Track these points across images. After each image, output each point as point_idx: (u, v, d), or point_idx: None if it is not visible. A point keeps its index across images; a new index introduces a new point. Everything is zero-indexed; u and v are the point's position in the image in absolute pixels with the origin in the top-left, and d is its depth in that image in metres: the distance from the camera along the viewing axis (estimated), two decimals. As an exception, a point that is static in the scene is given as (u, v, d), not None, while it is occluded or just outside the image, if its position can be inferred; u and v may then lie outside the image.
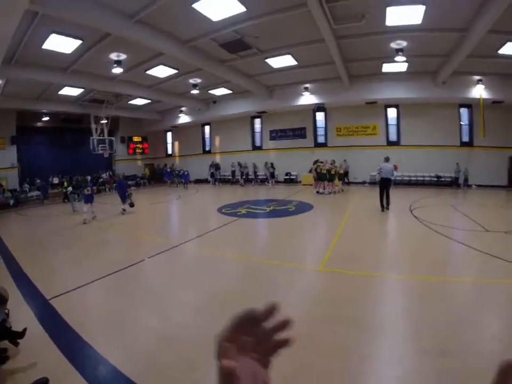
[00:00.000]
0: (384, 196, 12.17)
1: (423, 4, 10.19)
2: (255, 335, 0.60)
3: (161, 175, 27.20)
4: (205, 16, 10.47)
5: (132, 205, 13.19)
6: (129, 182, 24.34)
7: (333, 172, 17.42)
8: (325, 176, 17.13)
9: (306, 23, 11.07)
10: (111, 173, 24.24)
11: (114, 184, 18.43)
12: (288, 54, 14.54)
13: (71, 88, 17.17)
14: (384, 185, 12.15)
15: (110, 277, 5.90)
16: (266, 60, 15.14)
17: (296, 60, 15.35)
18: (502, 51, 13.85)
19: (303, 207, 12.87)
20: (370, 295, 5.15)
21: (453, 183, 19.56)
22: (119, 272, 6.13)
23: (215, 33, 11.91)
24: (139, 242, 8.77)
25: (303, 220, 10.92)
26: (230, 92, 20.84)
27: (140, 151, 28.30)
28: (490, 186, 19.07)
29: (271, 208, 12.96)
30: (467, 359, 3.34)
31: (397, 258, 7.12)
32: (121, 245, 8.83)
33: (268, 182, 22.44)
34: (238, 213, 11.86)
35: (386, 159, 12.34)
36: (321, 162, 17.44)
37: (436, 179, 20.10)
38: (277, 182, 22.98)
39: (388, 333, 4.01)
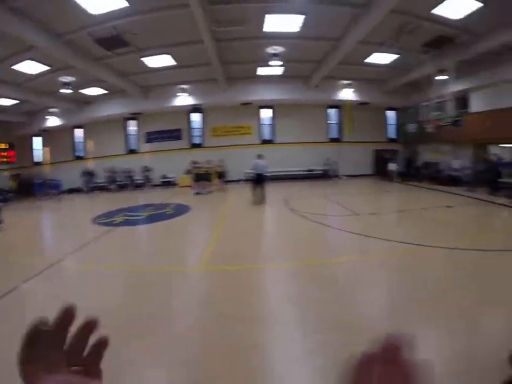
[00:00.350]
0: (259, 191, 13.16)
1: (303, 14, 11.25)
2: (60, 347, 0.52)
3: (30, 187, 22.72)
4: (83, 8, 9.96)
5: None
6: None
7: (210, 172, 18.26)
8: (203, 177, 17.77)
9: (188, 23, 11.25)
10: None
11: None
12: (167, 53, 14.58)
13: None
14: (258, 180, 13.15)
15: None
16: (143, 59, 14.91)
17: (175, 60, 15.47)
18: (368, 60, 16.48)
19: (181, 209, 12.89)
20: (253, 286, 5.31)
21: (324, 176, 22.24)
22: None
23: (93, 27, 11.34)
24: (11, 264, 7.45)
25: (181, 222, 10.86)
26: (104, 91, 19.85)
27: (5, 160, 23.98)
28: (358, 176, 22.80)
29: (149, 213, 12.53)
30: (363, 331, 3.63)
31: (276, 248, 7.56)
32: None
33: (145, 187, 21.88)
34: (115, 222, 11.14)
35: (259, 156, 13.46)
36: (199, 163, 18.13)
37: (308, 173, 22.61)
38: (154, 185, 22.57)
39: (275, 320, 4.17)
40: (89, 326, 0.55)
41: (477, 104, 16.87)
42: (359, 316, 4.08)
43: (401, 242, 7.17)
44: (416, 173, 20.21)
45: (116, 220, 11.38)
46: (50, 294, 5.32)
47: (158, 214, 12.17)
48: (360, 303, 4.52)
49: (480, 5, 10.51)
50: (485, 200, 12.32)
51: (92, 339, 0.55)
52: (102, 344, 0.57)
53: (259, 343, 3.63)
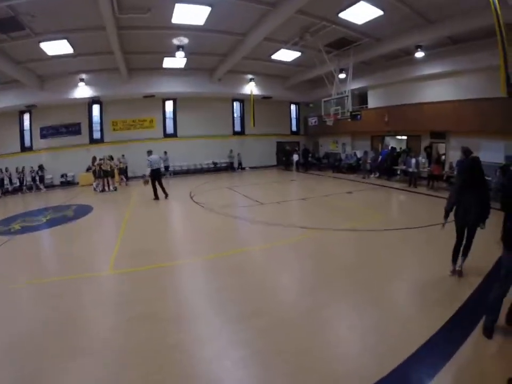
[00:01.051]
0: (158, 186, 13.20)
1: (210, 6, 11.36)
2: None
3: None
4: None
5: None
6: None
7: (112, 168, 17.61)
8: (105, 173, 17.09)
9: (89, 7, 10.68)
10: None
11: None
12: (65, 38, 13.49)
13: None
14: (156, 175, 13.20)
15: None
16: (40, 44, 13.68)
17: (72, 47, 14.42)
18: (275, 56, 17.51)
19: (83, 210, 12.16)
20: (167, 284, 5.36)
21: (229, 168, 23.34)
22: None
23: None
24: None
25: (84, 224, 10.28)
26: None
27: None
28: (263, 167, 24.24)
29: (48, 217, 11.47)
30: (277, 315, 4.12)
31: (184, 244, 7.74)
32: None
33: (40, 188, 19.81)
34: (12, 230, 9.84)
35: (150, 152, 13.43)
36: (102, 159, 17.22)
37: (213, 165, 23.37)
38: (52, 186, 20.75)
39: (195, 315, 4.28)
40: None
41: (374, 100, 19.40)
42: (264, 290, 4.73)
43: (303, 227, 7.88)
44: (317, 163, 22.38)
45: (14, 227, 10.13)
46: None
47: (58, 218, 11.22)
48: (264, 287, 4.96)
49: (381, 12, 11.79)
50: (381, 185, 13.70)
51: None
52: None
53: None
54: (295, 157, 22.46)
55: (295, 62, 18.29)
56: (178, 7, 11.42)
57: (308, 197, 12.11)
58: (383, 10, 11.51)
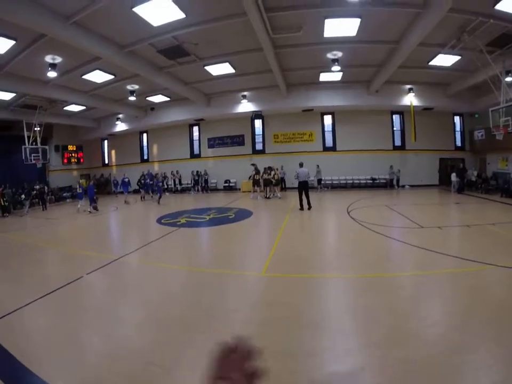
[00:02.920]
0: (304, 197, 13.65)
1: (359, 17, 11.42)
2: (235, 370, 0.63)
3: (102, 186, 25.71)
4: (144, 21, 10.72)
5: (96, 208, 15.38)
6: (64, 194, 22.83)
7: (276, 178, 19.06)
8: (267, 182, 18.42)
9: (245, 31, 11.72)
10: (43, 186, 21.91)
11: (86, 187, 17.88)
12: (226, 61, 15.25)
13: (3, 92, 16.54)
14: (303, 187, 13.64)
15: (50, 296, 5.45)
16: (204, 67, 15.79)
17: (234, 68, 16.15)
18: (432, 62, 16.07)
19: (243, 214, 13.30)
20: (315, 295, 5.33)
21: (387, 185, 21.79)
22: (60, 290, 5.64)
23: (154, 38, 12.19)
24: (78, 257, 8.12)
25: (243, 227, 11.30)
26: (168, 98, 21.29)
27: (75, 160, 26.70)
28: (423, 185, 21.71)
29: (211, 216, 13.10)
30: (415, 348, 3.65)
31: (338, 259, 7.58)
32: (69, 261, 8.07)
33: (195, 190, 23.37)
34: (178, 223, 11.85)
35: (301, 165, 14.00)
36: (270, 168, 18.79)
37: (371, 181, 22.20)
38: (216, 189, 24.04)
39: (338, 329, 4.19)
40: (251, 355, 0.66)
41: None
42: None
43: (463, 259, 6.88)
44: (483, 184, 18.79)
45: (180, 221, 12.16)
46: (109, 286, 6.17)
47: (220, 218, 12.72)
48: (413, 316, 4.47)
49: None
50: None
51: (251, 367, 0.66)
52: (259, 375, 0.66)
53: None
54: (453, 177, 19.32)
55: (455, 67, 16.45)
56: (329, 22, 11.63)
57: (472, 224, 10.65)
58: None
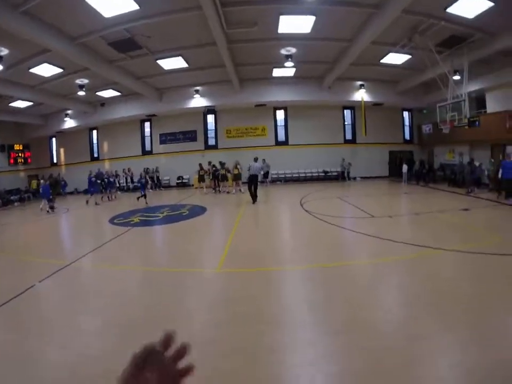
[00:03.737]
0: (254, 190, 14.17)
1: (314, 15, 11.53)
2: (157, 370, 0.60)
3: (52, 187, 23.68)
4: (96, 11, 10.28)
5: (52, 207, 15.36)
6: (12, 197, 21.44)
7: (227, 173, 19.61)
8: (238, 176, 18.87)
9: (200, 25, 11.60)
10: None
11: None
12: (179, 55, 14.96)
13: None
14: (252, 180, 14.14)
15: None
16: (157, 61, 15.41)
17: (187, 62, 15.88)
18: (384, 60, 16.70)
19: (197, 210, 13.26)
20: (272, 289, 5.42)
21: (339, 177, 22.58)
22: (11, 302, 5.27)
23: (106, 30, 11.75)
24: (30, 264, 7.66)
25: (198, 223, 11.25)
26: (119, 93, 20.62)
27: (22, 160, 24.67)
28: (374, 177, 22.72)
29: (165, 214, 12.91)
30: (372, 336, 3.75)
31: (292, 251, 7.67)
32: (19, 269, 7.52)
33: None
34: (131, 222, 11.55)
35: (255, 159, 14.83)
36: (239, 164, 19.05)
37: (323, 174, 22.89)
38: (169, 186, 23.73)
39: (295, 323, 4.23)
40: (183, 351, 0.64)
41: (493, 104, 16.66)
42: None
43: (414, 245, 7.20)
44: (432, 175, 20.04)
45: (133, 220, 11.82)
46: (62, 294, 5.78)
47: (174, 215, 12.55)
48: (366, 304, 4.62)
49: (491, 4, 10.61)
50: (502, 203, 11.97)
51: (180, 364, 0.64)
52: (189, 371, 0.65)
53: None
54: (404, 168, 20.51)
55: (406, 65, 17.21)
56: (283, 18, 11.73)
57: (421, 212, 11.18)
58: (493, 1, 10.37)
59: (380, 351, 3.45)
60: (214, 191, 19.64)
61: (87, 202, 17.45)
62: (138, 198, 15.73)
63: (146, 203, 15.39)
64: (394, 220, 10.26)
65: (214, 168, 19.76)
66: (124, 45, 12.90)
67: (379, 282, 5.53)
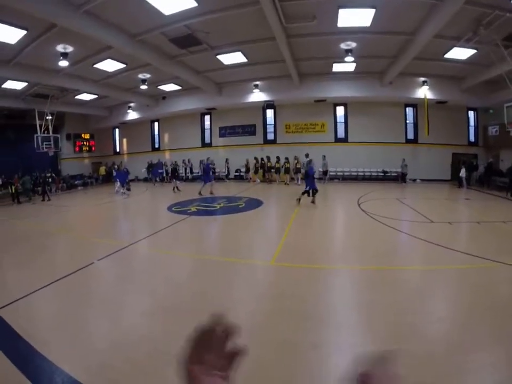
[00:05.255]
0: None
1: (373, 7, 11.21)
2: (212, 351, 0.63)
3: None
4: (156, 9, 10.61)
5: (129, 189, 17.87)
6: (76, 182, 23.28)
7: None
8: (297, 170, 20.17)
9: (258, 20, 11.52)
10: (54, 174, 22.12)
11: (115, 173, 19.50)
12: (238, 51, 15.14)
13: (15, 81, 16.73)
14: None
15: (60, 282, 5.66)
16: (216, 56, 15.67)
17: (246, 57, 16.02)
18: (447, 55, 15.66)
19: (254, 203, 13.47)
20: (321, 286, 5.47)
21: (399, 178, 21.47)
22: (71, 276, 5.86)
23: (166, 27, 12.11)
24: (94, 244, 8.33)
25: (253, 216, 11.46)
26: (180, 87, 21.25)
27: (87, 148, 27.05)
28: (435, 180, 21.33)
29: (221, 205, 13.26)
30: (418, 343, 3.69)
31: (346, 250, 7.73)
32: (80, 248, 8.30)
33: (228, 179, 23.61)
34: (189, 211, 12.05)
35: (306, 156, 15.53)
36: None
37: (382, 174, 22.00)
38: (228, 178, 23.96)
39: (340, 322, 4.30)
40: (232, 332, 0.66)
41: None
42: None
43: (472, 255, 6.84)
44: (496, 181, 18.38)
45: (190, 209, 12.39)
46: (119, 273, 6.41)
47: (230, 207, 12.94)
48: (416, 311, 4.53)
49: None
50: None
51: (230, 346, 0.66)
52: (240, 353, 0.66)
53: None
54: (462, 172, 19.04)
55: (471, 61, 16.01)
56: (343, 12, 11.46)
57: (483, 221, 10.35)
58: None
59: (420, 358, 3.38)
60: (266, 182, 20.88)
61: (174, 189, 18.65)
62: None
63: (212, 193, 15.82)
64: (454, 226, 9.80)
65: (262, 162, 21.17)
66: (184, 41, 13.25)
67: (429, 290, 5.32)
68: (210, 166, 17.50)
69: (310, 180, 12.61)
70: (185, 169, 24.39)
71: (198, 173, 23.53)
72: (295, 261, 6.55)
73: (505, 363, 3.36)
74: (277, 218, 11.77)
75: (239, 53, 15.30)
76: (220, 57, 15.67)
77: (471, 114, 22.26)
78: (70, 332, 4.10)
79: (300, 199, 12.65)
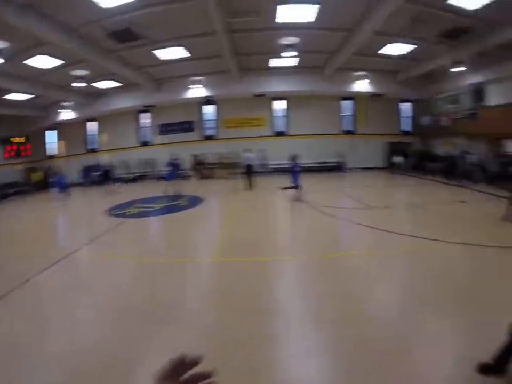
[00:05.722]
0: (250, 179, 15.06)
1: (318, 3, 11.36)
2: (182, 376, 0.69)
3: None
4: (94, 2, 9.99)
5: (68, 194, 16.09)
6: (10, 191, 20.88)
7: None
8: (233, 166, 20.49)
9: (200, 15, 11.37)
10: None
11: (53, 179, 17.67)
12: (180, 45, 14.76)
13: None
14: (248, 169, 15.35)
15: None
16: (156, 51, 15.17)
17: (188, 52, 15.63)
18: (385, 51, 16.45)
19: (195, 201, 13.35)
20: (267, 278, 5.57)
21: (337, 168, 22.50)
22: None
23: (105, 21, 11.52)
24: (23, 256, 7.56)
25: (195, 213, 11.32)
26: (118, 84, 20.26)
27: (19, 153, 23.61)
28: (371, 168, 22.73)
29: (162, 204, 13.00)
30: (366, 327, 3.90)
31: (289, 241, 7.91)
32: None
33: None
34: (129, 213, 11.60)
35: (247, 150, 15.63)
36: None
37: (322, 165, 22.87)
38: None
39: (291, 312, 4.40)
40: (205, 377, 0.69)
41: (494, 97, 16.51)
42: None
43: (412, 236, 7.35)
44: (429, 167, 19.89)
45: (130, 211, 11.87)
46: (59, 283, 5.91)
47: (171, 206, 12.67)
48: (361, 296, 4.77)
49: None
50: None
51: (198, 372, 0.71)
52: (207, 377, 0.70)
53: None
54: (397, 159, 20.63)
55: (407, 56, 16.99)
56: (285, 8, 11.57)
57: (418, 204, 11.31)
58: None
59: (371, 341, 3.58)
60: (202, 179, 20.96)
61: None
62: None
63: (176, 191, 15.26)
64: (394, 210, 10.52)
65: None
66: (123, 35, 12.64)
67: (374, 273, 5.63)
68: (175, 162, 16.65)
69: (295, 175, 12.66)
70: (125, 169, 23.16)
71: (135, 173, 23.02)
72: (237, 255, 6.59)
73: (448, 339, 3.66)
74: (218, 214, 11.83)
75: (180, 48, 14.92)
76: (159, 51, 15.18)
77: (405, 106, 23.92)
78: (16, 354, 3.70)
79: (285, 188, 12.82)
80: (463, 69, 15.36)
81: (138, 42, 13.71)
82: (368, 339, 3.61)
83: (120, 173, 22.87)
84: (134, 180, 23.02)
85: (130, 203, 13.58)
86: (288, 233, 8.70)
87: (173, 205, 12.65)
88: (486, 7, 11.14)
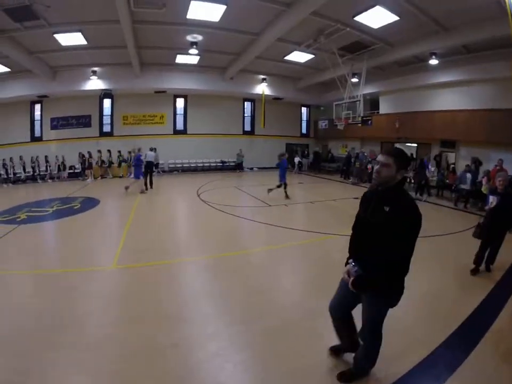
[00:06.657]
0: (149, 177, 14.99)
1: (225, 4, 11.44)
2: None
3: None
4: None
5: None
6: None
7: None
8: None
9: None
10: None
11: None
12: (79, 31, 13.67)
13: None
14: (148, 168, 15.02)
15: None
16: (54, 35, 13.83)
17: (86, 39, 14.56)
18: (288, 57, 17.55)
19: (90, 203, 12.38)
20: (170, 282, 5.46)
21: (237, 167, 23.50)
22: None
23: None
24: None
25: (91, 217, 10.46)
26: (8, 69, 17.80)
27: None
28: (272, 168, 22.68)
29: (55, 208, 11.68)
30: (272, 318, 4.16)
31: (189, 242, 7.90)
32: None
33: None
34: (18, 219, 9.96)
35: (151, 149, 15.66)
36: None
37: (221, 164, 23.70)
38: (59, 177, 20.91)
39: (197, 315, 4.37)
40: None
41: (385, 106, 19.39)
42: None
43: (309, 231, 8.08)
44: (325, 166, 22.95)
45: (19, 217, 10.23)
46: None
47: (65, 209, 11.45)
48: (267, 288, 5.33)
49: (396, 18, 11.73)
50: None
51: None
52: None
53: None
54: (297, 159, 23.19)
55: (308, 64, 18.38)
56: (194, 4, 11.45)
57: (316, 201, 12.22)
58: (399, 16, 11.48)
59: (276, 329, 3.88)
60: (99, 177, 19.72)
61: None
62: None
63: (143, 191, 14.36)
64: (290, 208, 11.22)
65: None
66: (20, 12, 11.36)
67: (274, 267, 6.07)
68: (141, 158, 14.78)
69: (282, 173, 12.77)
70: (7, 170, 19.34)
71: (21, 173, 19.77)
72: (139, 260, 6.30)
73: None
74: (116, 216, 11.09)
75: (79, 34, 13.84)
76: (57, 36, 13.91)
77: (304, 110, 26.49)
78: None
79: (272, 190, 12.91)
80: (359, 80, 17.00)
81: (36, 23, 12.44)
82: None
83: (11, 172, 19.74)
84: (23, 180, 19.68)
85: (19, 207, 11.73)
86: (187, 234, 8.68)
87: (67, 208, 11.53)
88: (385, 27, 12.51)
